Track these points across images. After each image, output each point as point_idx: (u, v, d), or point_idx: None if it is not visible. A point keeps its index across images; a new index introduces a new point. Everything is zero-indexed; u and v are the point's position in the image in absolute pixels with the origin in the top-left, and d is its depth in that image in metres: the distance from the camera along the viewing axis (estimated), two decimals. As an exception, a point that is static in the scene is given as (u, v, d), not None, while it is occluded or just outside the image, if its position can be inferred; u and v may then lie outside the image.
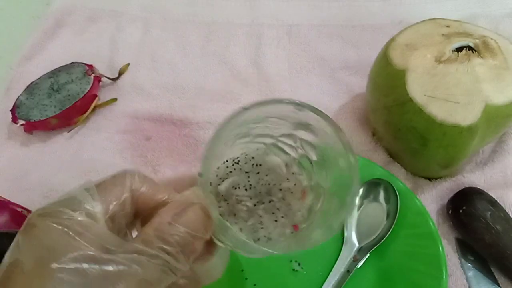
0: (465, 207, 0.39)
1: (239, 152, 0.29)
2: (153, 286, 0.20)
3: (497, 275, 0.38)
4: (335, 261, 0.38)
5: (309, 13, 0.61)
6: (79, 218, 0.20)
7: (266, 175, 0.28)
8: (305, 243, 0.24)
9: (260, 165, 0.29)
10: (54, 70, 0.52)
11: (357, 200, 0.41)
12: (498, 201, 0.39)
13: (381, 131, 0.44)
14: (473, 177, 0.43)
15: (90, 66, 0.52)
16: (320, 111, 0.24)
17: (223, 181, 0.28)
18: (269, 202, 0.27)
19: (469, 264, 0.39)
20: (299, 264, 0.39)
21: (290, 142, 0.29)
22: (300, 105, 0.24)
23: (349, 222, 0.40)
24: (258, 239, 0.26)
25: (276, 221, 0.27)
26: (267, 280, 0.38)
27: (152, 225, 0.21)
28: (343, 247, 0.39)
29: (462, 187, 0.41)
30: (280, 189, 0.28)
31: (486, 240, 0.38)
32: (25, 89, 0.50)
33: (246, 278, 0.38)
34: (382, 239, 0.38)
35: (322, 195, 0.27)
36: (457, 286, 0.37)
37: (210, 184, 0.27)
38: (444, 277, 0.35)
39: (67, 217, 0.20)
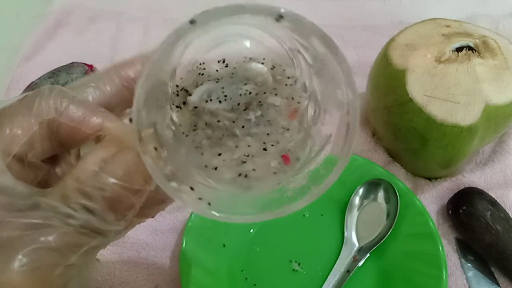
0: (465, 207, 0.39)
1: (202, 51, 0.21)
2: (71, 253, 0.16)
3: (497, 275, 0.38)
4: (335, 261, 0.38)
5: (309, 13, 0.61)
6: None
7: (245, 84, 0.21)
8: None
9: (235, 71, 0.21)
10: (54, 70, 0.52)
11: (357, 200, 0.41)
12: (498, 201, 0.39)
13: (381, 131, 0.44)
14: (473, 177, 0.43)
15: (90, 66, 0.52)
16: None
17: (186, 91, 0.21)
18: (255, 122, 0.21)
19: (469, 264, 0.39)
20: (299, 264, 0.39)
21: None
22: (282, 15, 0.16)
23: (349, 222, 0.40)
24: (240, 175, 0.20)
25: (265, 149, 0.20)
26: (267, 280, 0.38)
27: (74, 174, 0.16)
28: (343, 247, 0.39)
29: (462, 187, 0.41)
30: (261, 104, 0.21)
31: (486, 240, 0.38)
32: (25, 89, 0.50)
33: (246, 278, 0.38)
34: (382, 239, 0.38)
35: (317, 112, 0.21)
36: (457, 286, 0.37)
37: (153, 124, 0.18)
38: (444, 277, 0.35)
39: None
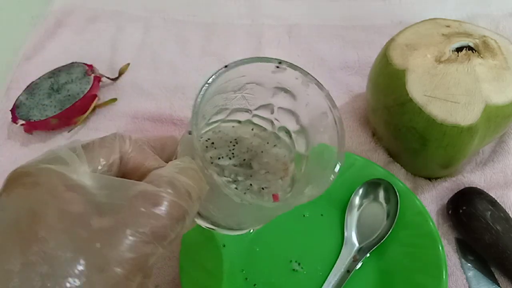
0: (465, 207, 0.39)
1: (213, 129, 0.29)
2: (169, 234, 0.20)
3: (497, 275, 0.38)
4: (335, 261, 0.38)
5: (309, 13, 0.61)
6: (67, 174, 0.19)
7: (245, 152, 0.29)
8: (296, 201, 0.24)
9: (237, 142, 0.29)
10: (54, 70, 0.52)
11: (357, 200, 0.41)
12: (498, 201, 0.39)
13: (381, 131, 0.44)
14: (473, 177, 0.43)
15: (90, 66, 0.52)
16: (300, 68, 0.25)
17: (206, 148, 0.28)
18: (251, 173, 0.28)
19: (469, 264, 0.39)
20: (299, 264, 0.39)
21: (266, 114, 0.29)
22: (280, 62, 0.24)
23: (349, 222, 0.40)
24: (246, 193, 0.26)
25: (262, 189, 0.27)
26: (267, 280, 0.38)
27: (156, 172, 0.21)
28: (343, 247, 0.39)
29: (462, 187, 0.41)
30: (260, 163, 0.29)
31: (486, 240, 0.38)
32: (25, 89, 0.50)
33: (246, 278, 0.38)
34: (382, 239, 0.38)
35: (303, 162, 0.28)
36: (457, 286, 0.37)
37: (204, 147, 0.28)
38: (444, 277, 0.35)
39: (54, 176, 0.18)
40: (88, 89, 0.49)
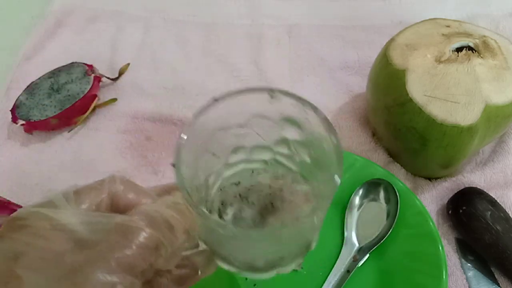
0: (465, 207, 0.39)
1: (232, 173, 0.28)
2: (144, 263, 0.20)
3: (497, 275, 0.38)
4: (335, 261, 0.38)
5: (309, 13, 0.61)
6: (53, 215, 0.20)
7: (264, 197, 0.28)
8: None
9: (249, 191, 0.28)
10: (54, 70, 0.52)
11: (357, 200, 0.41)
12: (498, 201, 0.39)
13: (381, 131, 0.44)
14: (473, 177, 0.43)
15: (90, 66, 0.52)
16: (294, 94, 0.24)
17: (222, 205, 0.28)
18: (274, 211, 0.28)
19: (469, 264, 0.39)
20: (299, 264, 0.39)
21: (285, 150, 0.27)
22: (272, 90, 0.23)
23: (349, 222, 0.40)
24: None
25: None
26: (267, 280, 0.38)
27: (140, 207, 0.22)
28: (343, 247, 0.39)
29: (462, 187, 0.41)
30: (283, 201, 0.28)
31: (486, 240, 0.38)
32: (25, 89, 0.50)
33: (246, 278, 0.38)
34: (382, 239, 0.38)
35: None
36: (457, 286, 0.37)
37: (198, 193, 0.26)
38: (444, 277, 0.35)
39: (42, 217, 0.20)
40: (88, 89, 0.49)
